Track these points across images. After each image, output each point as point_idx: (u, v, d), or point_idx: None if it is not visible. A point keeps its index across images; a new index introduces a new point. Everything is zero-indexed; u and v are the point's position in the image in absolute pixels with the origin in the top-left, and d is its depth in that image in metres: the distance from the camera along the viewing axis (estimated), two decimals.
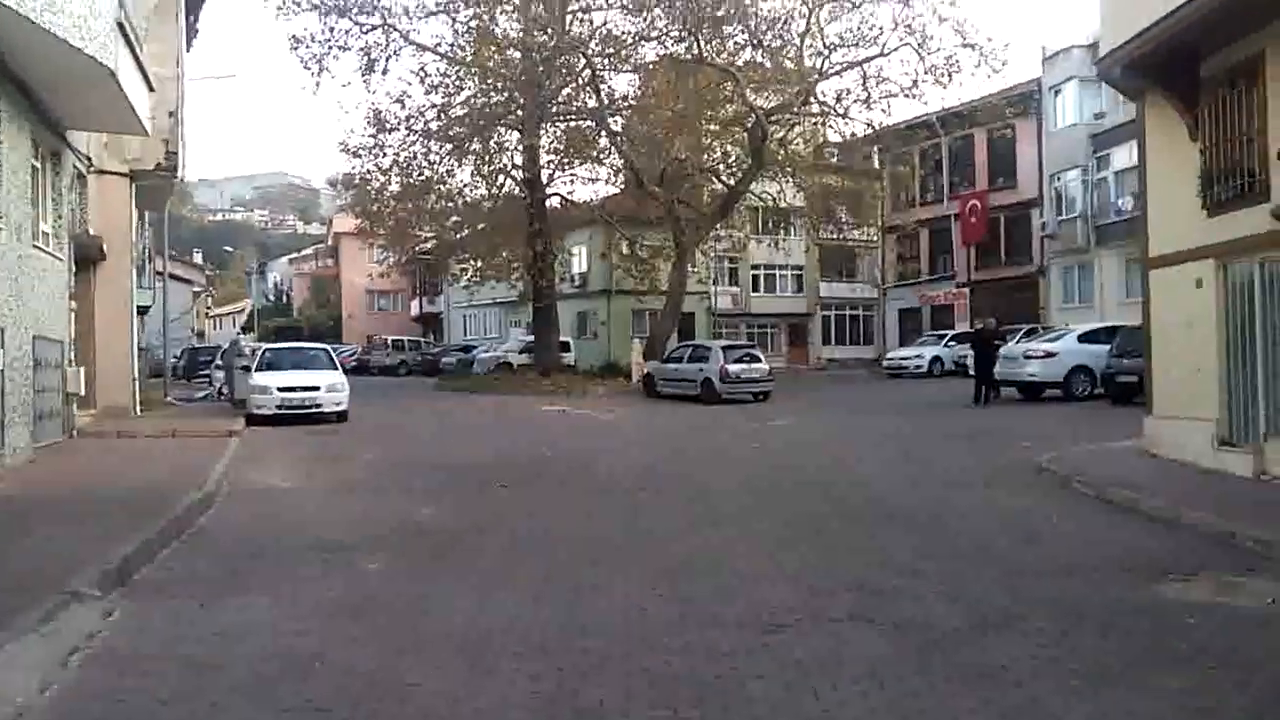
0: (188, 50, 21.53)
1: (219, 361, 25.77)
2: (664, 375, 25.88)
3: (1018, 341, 24.28)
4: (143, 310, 20.23)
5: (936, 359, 32.61)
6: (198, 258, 79.50)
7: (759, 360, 24.60)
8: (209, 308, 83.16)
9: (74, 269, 14.82)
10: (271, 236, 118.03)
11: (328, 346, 20.85)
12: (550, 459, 13.08)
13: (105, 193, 16.85)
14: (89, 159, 16.13)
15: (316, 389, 18.15)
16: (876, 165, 37.27)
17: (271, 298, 75.47)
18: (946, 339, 33.60)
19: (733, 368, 23.57)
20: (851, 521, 8.40)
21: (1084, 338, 20.85)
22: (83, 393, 14.55)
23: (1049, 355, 20.55)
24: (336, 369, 19.52)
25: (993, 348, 20.68)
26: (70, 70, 11.55)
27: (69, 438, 14.26)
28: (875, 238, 45.24)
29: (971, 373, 21.83)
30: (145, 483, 10.14)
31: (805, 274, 48.40)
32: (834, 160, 37.22)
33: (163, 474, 10.87)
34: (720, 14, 27.51)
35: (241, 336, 40.29)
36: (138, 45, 13.18)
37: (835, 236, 45.55)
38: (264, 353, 20.24)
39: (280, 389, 17.95)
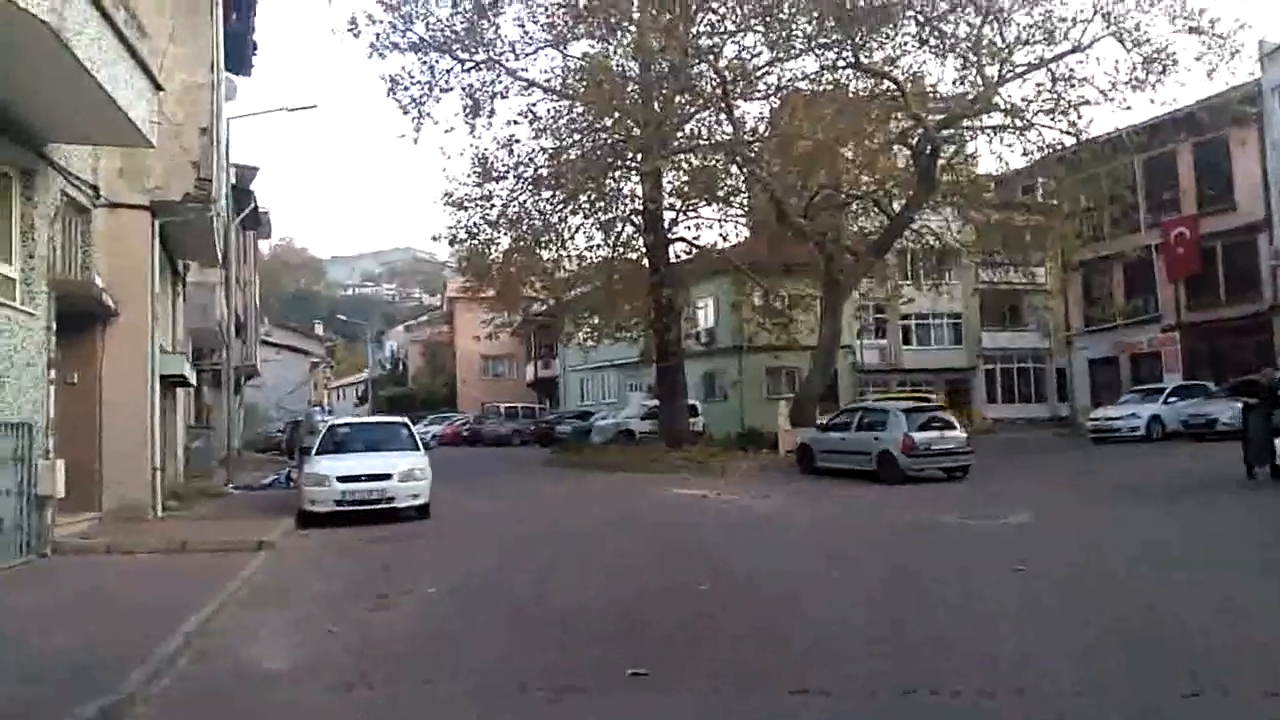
0: (247, 70, 18.33)
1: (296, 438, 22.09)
2: (825, 446, 20.79)
3: None
4: (180, 382, 16.46)
5: (1156, 419, 26.46)
6: (319, 329, 79.03)
7: (953, 426, 19.28)
8: (328, 379, 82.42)
9: (54, 327, 10.99)
10: (398, 309, 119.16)
11: (407, 421, 16.72)
12: (707, 595, 8.28)
13: (119, 232, 13.18)
14: (94, 187, 12.51)
15: (387, 478, 13.88)
16: (1056, 189, 31.59)
17: (387, 366, 73.64)
18: (1167, 393, 27.39)
19: (919, 436, 18.34)
20: None
21: None
22: (60, 494, 10.62)
23: None
24: (417, 449, 15.25)
25: None
26: None
27: (40, 557, 10.33)
28: (1046, 278, 39.25)
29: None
30: (34, 672, 5.91)
31: (964, 323, 42.72)
32: (1003, 184, 31.81)
33: (90, 643, 6.65)
34: (880, 2, 22.72)
35: (318, 409, 37.07)
36: (119, 12, 9.42)
37: (1004, 278, 39.94)
38: (328, 431, 16.22)
39: (341, 479, 13.78)
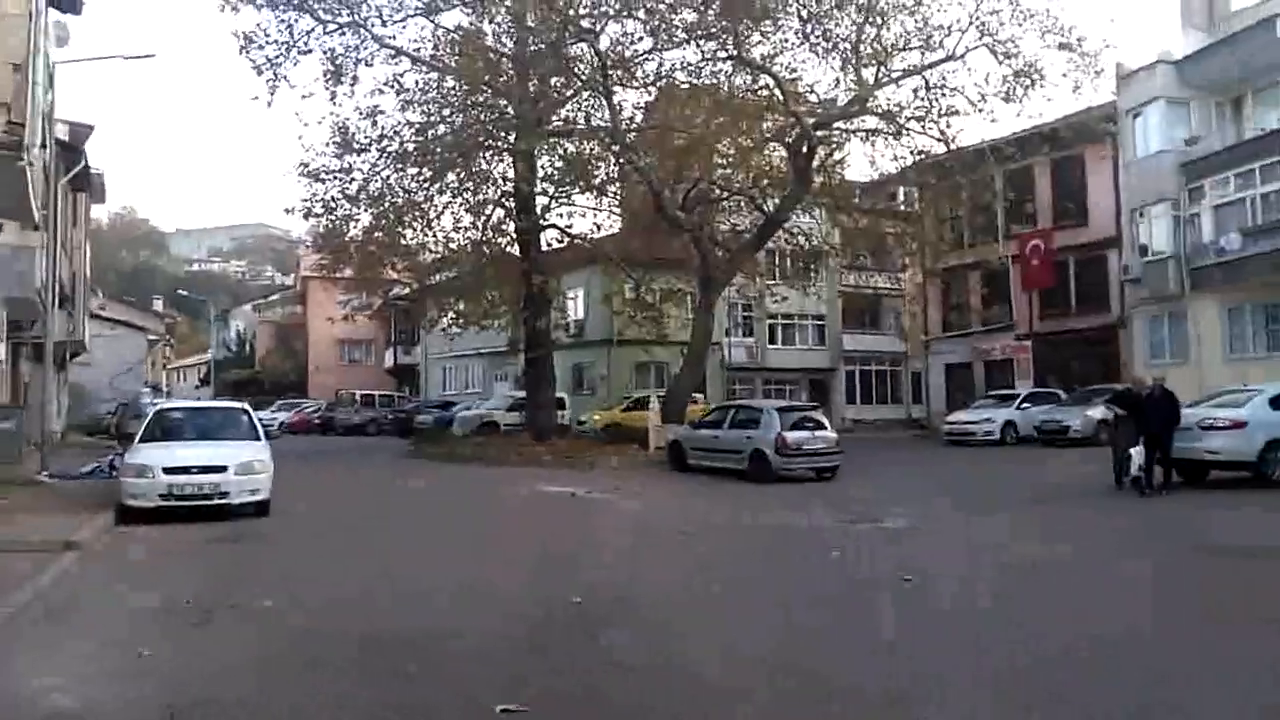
0: (77, 8, 16.39)
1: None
2: (697, 444, 20.32)
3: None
4: None
5: (1010, 424, 27.29)
6: (158, 305, 73.94)
7: (824, 427, 19.06)
8: (168, 358, 77.31)
9: None
10: (249, 287, 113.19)
11: (247, 407, 15.16)
12: (583, 612, 7.46)
13: None
14: None
15: (222, 470, 12.43)
16: (921, 197, 32.25)
17: (233, 347, 69.48)
18: (1020, 400, 28.30)
19: (792, 436, 18.03)
20: None
21: (1277, 402, 15.51)
22: None
23: (1235, 426, 15.11)
24: (258, 439, 13.78)
25: (1174, 413, 15.16)
26: None
27: None
28: (906, 283, 40.32)
29: (1117, 443, 16.07)
30: None
31: (827, 324, 43.37)
32: (871, 190, 32.28)
33: None
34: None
35: (146, 391, 34.28)
36: None
37: (866, 282, 41.02)
38: (156, 415, 14.54)
39: (168, 470, 12.27)
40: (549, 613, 7.43)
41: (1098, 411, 24.55)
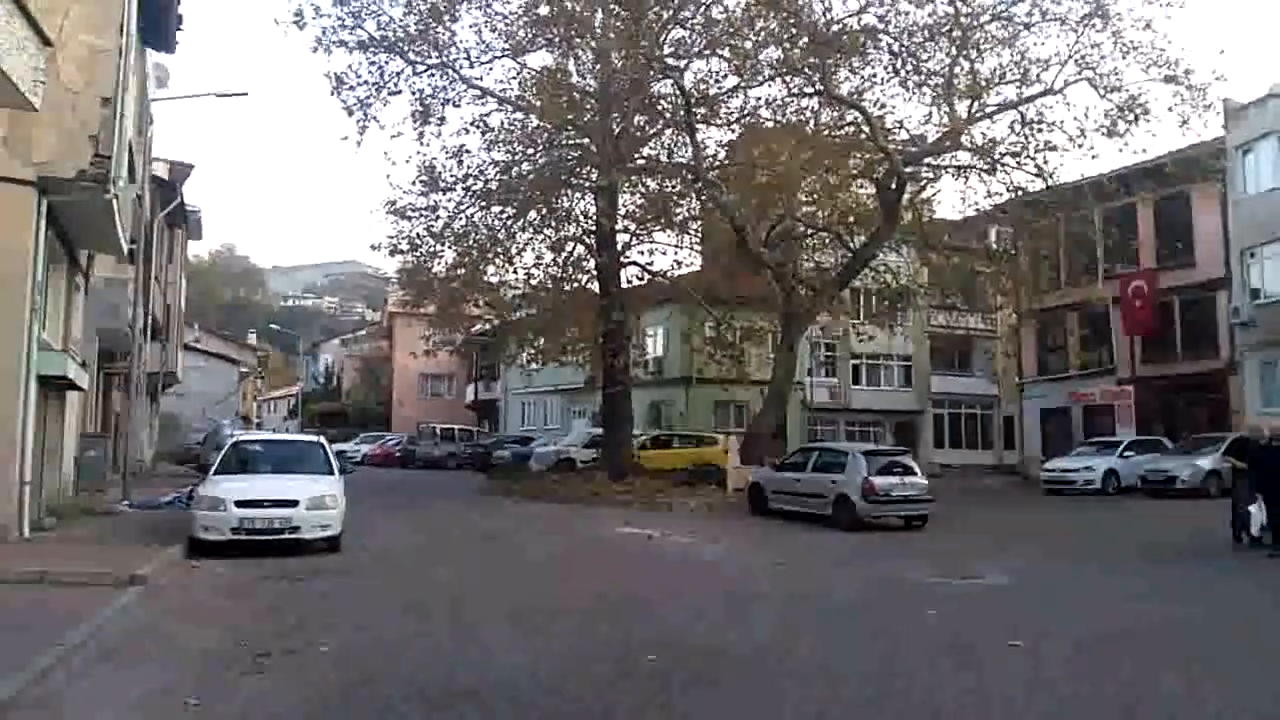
0: (170, 46, 16.73)
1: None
2: (778, 487, 19.55)
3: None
4: (62, 383, 14.31)
5: (1111, 473, 25.77)
6: (252, 338, 76.29)
7: (914, 472, 18.12)
8: (259, 390, 79.47)
9: None
10: (339, 323, 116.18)
11: (324, 440, 15.07)
12: (658, 672, 6.87)
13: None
14: None
15: (293, 505, 12.22)
16: (1015, 235, 30.98)
17: (321, 381, 71.00)
18: (1123, 447, 26.75)
19: (879, 481, 17.17)
20: None
21: None
22: None
23: None
24: (331, 473, 13.57)
25: None
26: None
27: None
28: (999, 324, 38.96)
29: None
30: None
31: (915, 365, 42.09)
32: (961, 228, 31.22)
33: None
34: (858, 27, 21.96)
35: (226, 422, 34.76)
36: None
37: (957, 322, 39.83)
38: (232, 447, 14.48)
39: (240, 504, 12.10)
40: (623, 669, 6.87)
41: (1207, 461, 23.07)
